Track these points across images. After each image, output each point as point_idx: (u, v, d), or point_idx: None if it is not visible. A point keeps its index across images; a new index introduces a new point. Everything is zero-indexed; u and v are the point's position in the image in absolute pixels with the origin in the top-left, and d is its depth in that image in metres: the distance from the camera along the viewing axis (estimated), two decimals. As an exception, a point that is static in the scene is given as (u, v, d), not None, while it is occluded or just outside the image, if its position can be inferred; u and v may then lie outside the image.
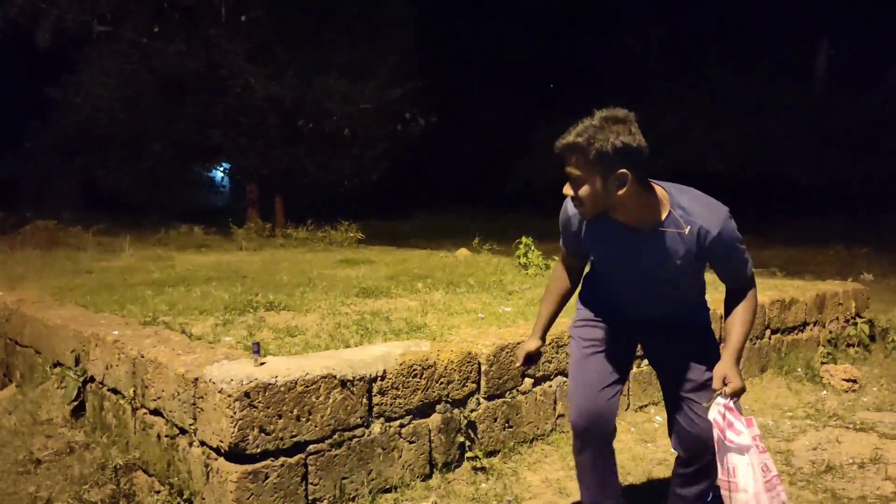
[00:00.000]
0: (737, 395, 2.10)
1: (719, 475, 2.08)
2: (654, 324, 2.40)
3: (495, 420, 3.49)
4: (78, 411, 3.68)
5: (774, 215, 17.38)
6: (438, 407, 3.25)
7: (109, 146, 16.44)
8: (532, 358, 2.62)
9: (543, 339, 2.61)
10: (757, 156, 19.62)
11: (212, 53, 15.08)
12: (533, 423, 3.66)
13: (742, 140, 19.91)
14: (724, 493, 2.08)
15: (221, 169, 19.54)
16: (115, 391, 3.43)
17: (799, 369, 5.17)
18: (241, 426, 2.61)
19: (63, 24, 14.66)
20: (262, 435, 2.66)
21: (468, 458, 3.33)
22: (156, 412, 3.10)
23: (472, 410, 3.37)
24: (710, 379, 2.21)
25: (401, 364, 3.11)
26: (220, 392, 2.63)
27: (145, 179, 16.88)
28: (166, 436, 3.01)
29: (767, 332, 5.24)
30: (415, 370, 3.16)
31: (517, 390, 3.61)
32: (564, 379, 3.80)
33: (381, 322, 4.02)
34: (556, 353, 3.79)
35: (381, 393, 3.03)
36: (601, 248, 2.30)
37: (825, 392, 4.82)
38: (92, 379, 3.65)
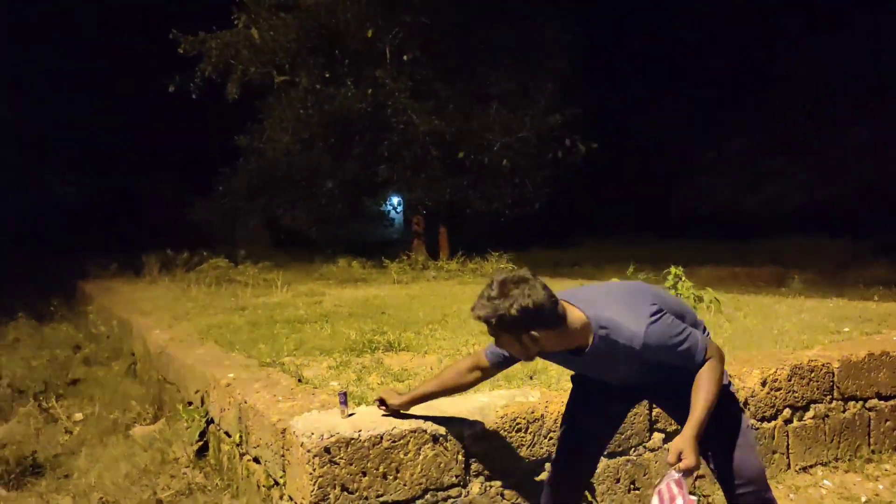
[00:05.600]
0: (689, 472, 2.10)
1: None
2: (653, 385, 2.38)
3: (617, 481, 3.10)
4: (202, 451, 3.78)
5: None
6: (548, 465, 2.93)
7: (288, 186, 17.66)
8: (385, 404, 2.70)
9: (407, 406, 2.67)
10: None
11: (377, 94, 15.76)
12: (665, 485, 3.21)
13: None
14: None
15: (391, 203, 20.32)
16: (228, 434, 3.47)
17: None
18: (320, 484, 2.47)
19: (248, 77, 16.14)
20: (345, 493, 2.51)
21: (585, 525, 2.97)
22: (256, 460, 3.07)
23: (588, 470, 3.00)
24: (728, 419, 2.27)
25: (502, 417, 2.85)
26: (301, 446, 2.52)
27: (320, 216, 17.92)
28: (264, 485, 2.96)
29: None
30: (519, 424, 2.88)
31: (644, 447, 3.19)
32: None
33: (498, 366, 3.76)
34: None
35: (480, 449, 2.78)
36: (561, 364, 2.40)
37: None
38: (213, 420, 3.73)
